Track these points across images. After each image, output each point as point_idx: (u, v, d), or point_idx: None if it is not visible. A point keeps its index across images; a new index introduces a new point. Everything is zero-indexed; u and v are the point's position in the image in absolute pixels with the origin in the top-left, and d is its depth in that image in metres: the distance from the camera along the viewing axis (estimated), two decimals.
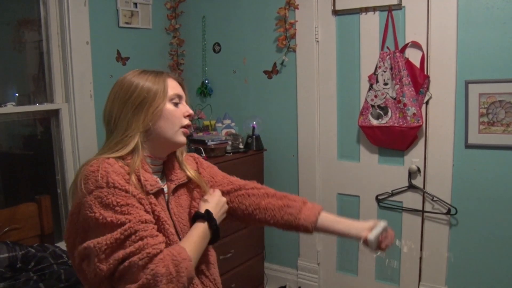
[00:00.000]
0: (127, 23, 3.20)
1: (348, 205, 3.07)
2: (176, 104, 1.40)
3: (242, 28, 3.33)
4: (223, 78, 3.49)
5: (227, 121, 3.28)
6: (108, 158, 1.28)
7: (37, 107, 2.87)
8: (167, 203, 1.41)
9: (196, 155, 1.68)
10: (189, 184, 1.51)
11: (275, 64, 3.21)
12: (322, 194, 3.17)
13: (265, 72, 3.26)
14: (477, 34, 2.49)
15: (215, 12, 3.44)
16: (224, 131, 3.24)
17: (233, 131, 3.25)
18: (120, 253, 1.17)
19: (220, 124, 3.28)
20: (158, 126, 1.37)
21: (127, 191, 1.22)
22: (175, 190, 1.45)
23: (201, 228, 1.37)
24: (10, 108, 2.70)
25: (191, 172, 1.48)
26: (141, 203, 1.25)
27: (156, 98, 1.36)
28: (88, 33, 2.94)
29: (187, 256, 1.23)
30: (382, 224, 1.46)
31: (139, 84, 1.36)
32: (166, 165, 1.47)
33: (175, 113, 1.39)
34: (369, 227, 1.49)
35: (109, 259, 1.17)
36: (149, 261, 1.16)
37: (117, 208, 1.20)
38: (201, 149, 2.86)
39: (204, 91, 3.54)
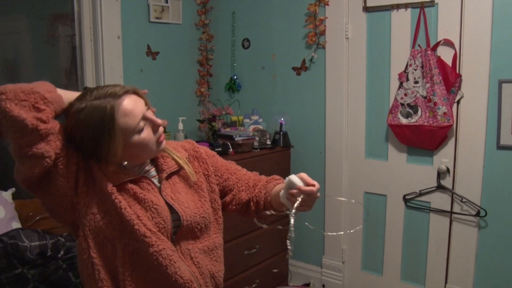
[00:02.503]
0: (157, 18, 3.23)
1: (375, 204, 3.04)
2: (141, 130, 1.31)
3: (272, 24, 3.32)
4: (252, 74, 3.49)
5: (255, 117, 3.29)
6: None
7: None
8: (160, 189, 1.40)
9: (192, 141, 1.64)
10: (183, 170, 1.50)
11: (304, 60, 3.19)
12: (348, 192, 3.14)
13: (294, 68, 3.25)
14: None
15: (245, 8, 3.45)
16: (252, 127, 3.25)
17: (260, 127, 3.25)
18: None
19: (247, 120, 3.28)
20: (128, 154, 1.33)
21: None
22: (168, 177, 1.45)
23: None
24: None
25: (176, 155, 1.48)
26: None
27: (113, 140, 1.27)
28: (120, 27, 2.98)
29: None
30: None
31: (88, 126, 1.27)
32: (154, 159, 1.46)
33: (145, 140, 1.32)
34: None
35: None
36: None
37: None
38: (228, 144, 2.87)
39: (232, 87, 3.55)
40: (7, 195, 2.19)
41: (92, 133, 1.26)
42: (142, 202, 1.33)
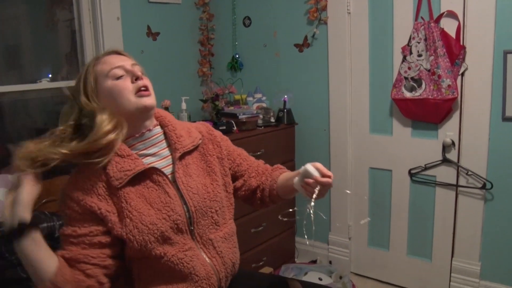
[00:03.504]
0: None
1: (380, 179, 3.04)
2: (118, 78, 1.33)
3: (272, 1, 3.28)
4: (254, 52, 3.46)
5: (258, 95, 3.27)
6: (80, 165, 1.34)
7: (70, 83, 2.91)
8: (174, 173, 1.40)
9: (207, 124, 1.64)
10: (200, 151, 1.50)
11: (306, 37, 3.16)
12: (354, 168, 3.14)
13: (296, 45, 3.22)
14: None
15: None
16: (255, 105, 3.24)
17: (264, 105, 3.24)
18: None
19: (251, 98, 3.27)
20: (111, 104, 1.33)
21: (72, 198, 1.31)
22: (181, 158, 1.43)
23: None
24: (45, 84, 2.75)
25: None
26: (90, 210, 1.29)
27: (88, 85, 1.34)
28: (119, 8, 2.95)
29: None
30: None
31: (79, 75, 1.38)
32: (167, 134, 1.45)
33: (119, 85, 1.33)
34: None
35: None
36: None
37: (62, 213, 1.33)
38: (232, 122, 2.87)
39: (234, 66, 3.53)
40: (13, 178, 2.20)
41: (79, 80, 1.35)
42: (154, 203, 1.33)
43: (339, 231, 3.25)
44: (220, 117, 3.04)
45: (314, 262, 3.34)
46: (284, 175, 1.60)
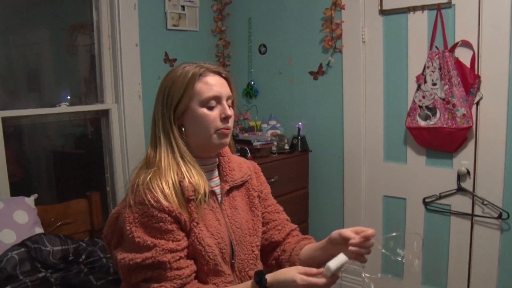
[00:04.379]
0: (175, 25, 3.26)
1: (394, 208, 3.02)
2: (211, 108, 1.33)
3: (288, 29, 3.33)
4: (269, 79, 3.50)
5: (273, 122, 3.30)
6: (150, 172, 1.30)
7: (88, 107, 2.97)
8: (220, 204, 1.41)
9: (255, 163, 1.65)
10: (246, 186, 1.52)
11: (321, 65, 3.19)
12: (367, 196, 3.13)
13: (311, 73, 3.25)
14: None
15: (261, 13, 3.47)
16: (270, 131, 3.25)
17: (278, 132, 3.26)
18: (142, 275, 1.24)
19: (265, 125, 3.29)
20: (189, 128, 1.35)
21: (163, 210, 1.24)
22: (229, 191, 1.45)
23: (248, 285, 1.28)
24: (64, 108, 2.81)
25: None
26: (178, 220, 1.27)
27: (181, 99, 1.33)
28: (138, 35, 3.02)
29: None
30: (344, 257, 1.29)
31: (172, 78, 1.36)
32: (221, 165, 1.46)
33: (208, 117, 1.33)
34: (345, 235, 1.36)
35: (132, 276, 1.25)
36: None
37: (148, 229, 1.24)
38: (247, 149, 2.88)
39: (250, 92, 3.57)
40: (30, 201, 2.23)
41: (170, 84, 1.35)
42: (209, 226, 1.34)
43: None
44: (234, 143, 3.06)
45: None
46: (308, 246, 1.53)
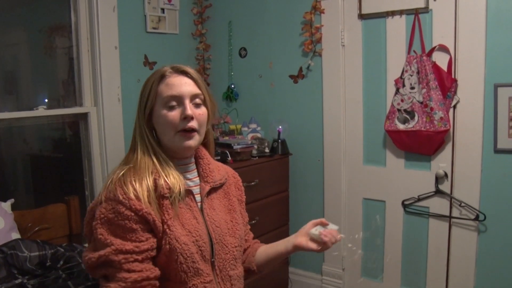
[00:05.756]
0: (154, 28, 3.25)
1: (373, 210, 3.05)
2: (171, 108, 1.33)
3: (268, 32, 3.34)
4: (249, 83, 3.51)
5: (253, 125, 3.30)
6: (125, 168, 1.31)
7: (66, 111, 2.93)
8: (201, 203, 1.41)
9: (237, 174, 1.65)
10: (224, 188, 1.53)
11: (301, 68, 3.21)
12: (347, 199, 3.15)
13: (291, 76, 3.26)
14: (507, 37, 2.44)
15: (241, 17, 3.47)
16: (250, 135, 3.25)
17: (259, 135, 3.26)
18: (101, 272, 1.26)
19: (246, 128, 3.29)
20: (157, 129, 1.38)
21: (129, 208, 1.24)
22: (209, 192, 1.45)
23: None
24: (42, 111, 2.77)
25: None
26: (145, 220, 1.26)
27: (147, 101, 1.36)
28: (117, 38, 3.00)
29: None
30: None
31: (145, 81, 1.40)
32: (201, 166, 1.47)
33: (167, 118, 1.32)
34: (305, 231, 1.51)
35: (94, 273, 1.28)
36: None
37: (112, 226, 1.24)
38: (227, 152, 2.87)
39: (230, 96, 3.57)
40: (6, 206, 2.19)
41: (143, 87, 1.39)
42: (186, 224, 1.33)
43: (333, 261, 3.23)
44: (215, 147, 3.05)
45: None
46: (262, 247, 1.63)
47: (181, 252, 1.28)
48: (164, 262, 1.29)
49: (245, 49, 3.50)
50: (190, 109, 1.33)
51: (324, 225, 1.49)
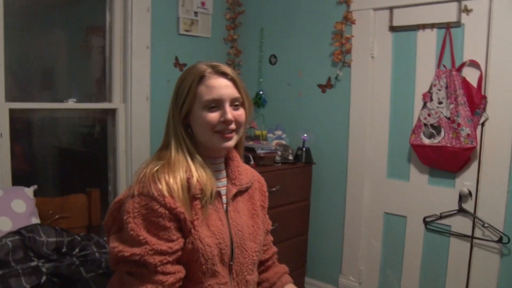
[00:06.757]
0: (187, 30, 3.30)
1: (394, 225, 3.00)
2: (211, 109, 1.33)
3: (299, 41, 3.35)
4: (278, 90, 3.52)
5: (279, 132, 3.30)
6: (159, 164, 1.30)
7: (95, 105, 3.01)
8: (226, 205, 1.41)
9: (263, 180, 1.65)
10: (249, 192, 1.53)
11: (329, 78, 3.20)
12: (368, 212, 3.11)
13: (319, 85, 3.26)
14: None
15: (273, 24, 3.50)
16: (275, 141, 3.26)
17: (283, 142, 3.27)
18: (127, 267, 1.25)
19: (271, 135, 3.30)
20: (194, 128, 1.37)
21: (164, 205, 1.23)
22: (235, 195, 1.45)
23: None
24: (71, 104, 2.85)
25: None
26: (177, 218, 1.26)
27: (185, 101, 1.35)
28: (149, 38, 3.06)
29: None
30: None
31: (181, 79, 1.38)
32: (230, 168, 1.47)
33: (207, 118, 1.32)
34: None
35: (117, 266, 1.26)
36: None
37: (145, 222, 1.23)
38: (250, 156, 2.89)
39: (258, 102, 3.58)
40: (29, 191, 2.25)
41: (179, 85, 1.37)
42: (211, 226, 1.33)
43: (350, 274, 3.19)
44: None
45: None
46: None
47: (203, 253, 1.28)
48: (185, 261, 1.30)
49: (275, 57, 3.51)
50: (229, 112, 1.33)
51: None
